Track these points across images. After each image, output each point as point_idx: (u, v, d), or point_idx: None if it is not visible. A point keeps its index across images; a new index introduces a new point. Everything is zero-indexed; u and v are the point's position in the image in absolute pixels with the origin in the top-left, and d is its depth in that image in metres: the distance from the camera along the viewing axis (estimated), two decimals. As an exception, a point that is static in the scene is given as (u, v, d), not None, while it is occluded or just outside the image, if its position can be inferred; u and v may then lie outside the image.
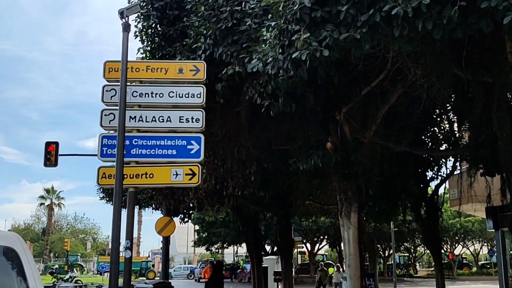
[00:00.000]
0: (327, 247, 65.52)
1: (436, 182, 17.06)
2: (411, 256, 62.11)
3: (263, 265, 23.49)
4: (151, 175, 8.01)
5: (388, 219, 20.23)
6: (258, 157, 12.08)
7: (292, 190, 16.96)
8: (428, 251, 72.03)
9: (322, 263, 26.66)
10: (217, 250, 58.45)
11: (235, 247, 67.23)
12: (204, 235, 56.30)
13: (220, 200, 16.09)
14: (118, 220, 6.08)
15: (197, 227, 65.23)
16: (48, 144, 16.81)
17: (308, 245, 52.97)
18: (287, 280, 16.23)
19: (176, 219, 18.63)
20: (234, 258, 74.90)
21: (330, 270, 44.87)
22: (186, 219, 19.64)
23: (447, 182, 18.00)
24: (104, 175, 8.02)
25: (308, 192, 20.83)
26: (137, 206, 20.53)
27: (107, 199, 19.79)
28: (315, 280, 25.53)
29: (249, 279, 49.40)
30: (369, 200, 13.12)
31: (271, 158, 12.44)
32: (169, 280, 15.20)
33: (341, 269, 25.00)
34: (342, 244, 59.64)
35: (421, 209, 16.60)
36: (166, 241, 16.75)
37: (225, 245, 56.04)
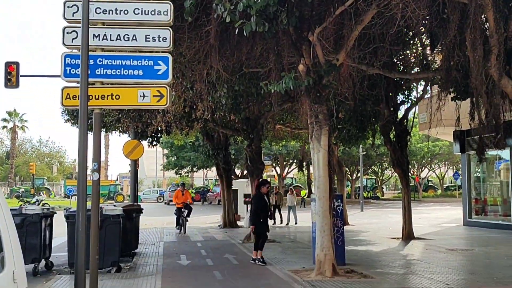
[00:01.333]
0: (295, 171, 67.30)
1: (406, 106, 17.40)
2: (378, 179, 64.40)
3: (233, 188, 24.04)
4: (117, 97, 7.86)
5: (357, 142, 20.67)
6: (228, 80, 11.98)
7: (263, 114, 17.06)
8: (395, 175, 74.63)
9: (276, 186, 27.21)
10: (186, 174, 59.19)
11: (205, 170, 68.30)
12: (173, 159, 56.81)
13: (189, 124, 16.08)
14: (84, 142, 6.03)
15: (166, 151, 65.76)
16: (7, 64, 16.23)
17: (278, 168, 54.12)
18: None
19: (144, 143, 18.62)
20: (203, 182, 76.30)
21: (303, 192, 46.52)
22: (154, 143, 19.65)
23: (417, 106, 18.33)
24: (68, 96, 7.84)
25: (279, 116, 21.07)
26: (104, 130, 20.35)
27: (72, 121, 19.54)
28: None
29: (219, 202, 50.81)
30: (339, 124, 13.31)
31: (242, 80, 12.36)
32: (138, 203, 15.40)
33: (294, 192, 25.72)
34: (311, 168, 60.93)
35: (391, 133, 17.00)
36: (135, 164, 16.83)
37: (194, 169, 56.75)
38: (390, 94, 16.27)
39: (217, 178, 64.03)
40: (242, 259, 12.65)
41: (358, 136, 18.73)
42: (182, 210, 20.10)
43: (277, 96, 12.78)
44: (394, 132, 16.89)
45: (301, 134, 26.32)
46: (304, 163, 58.29)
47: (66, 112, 19.67)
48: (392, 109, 16.47)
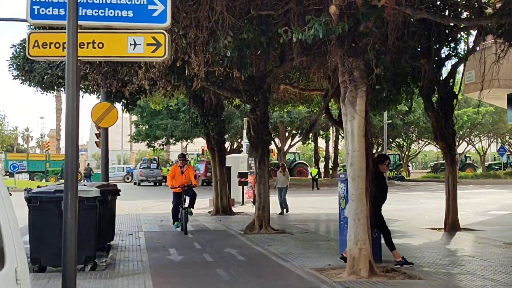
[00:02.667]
0: (300, 144, 67.50)
1: (453, 61, 17.28)
2: (403, 155, 64.74)
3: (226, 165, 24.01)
4: (100, 45, 7.68)
5: (387, 107, 20.58)
6: (233, 25, 11.77)
7: (270, 70, 16.91)
8: (425, 149, 74.48)
9: (283, 164, 26.67)
10: (161, 147, 59.20)
11: (184, 143, 68.28)
12: (144, 128, 56.72)
13: (179, 82, 15.90)
14: (74, 105, 5.83)
15: (134, 118, 65.55)
16: None
17: (278, 141, 54.17)
18: (262, 185, 16.64)
19: (117, 107, 18.45)
20: (182, 157, 76.55)
21: (313, 171, 46.69)
22: (130, 106, 19.46)
23: (465, 62, 18.19)
24: (36, 44, 7.67)
25: (284, 74, 20.93)
26: (61, 88, 20.16)
27: (23, 78, 19.27)
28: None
29: (204, 182, 51.15)
30: (378, 83, 13.19)
31: (250, 27, 12.14)
32: (112, 183, 15.30)
33: (286, 170, 25.00)
34: (320, 140, 61.03)
35: (433, 95, 16.92)
36: (106, 134, 16.64)
37: (171, 140, 56.77)
38: (435, 46, 16.12)
39: (199, 152, 64.48)
40: (248, 253, 12.68)
41: (389, 99, 18.62)
42: (182, 197, 16.80)
43: (298, 47, 12.61)
44: (437, 95, 16.83)
45: (311, 97, 26.22)
46: (311, 134, 58.96)
47: (14, 67, 19.38)
48: (435, 65, 16.36)
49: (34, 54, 7.81)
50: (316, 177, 44.86)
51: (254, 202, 24.42)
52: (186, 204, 16.93)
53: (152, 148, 59.25)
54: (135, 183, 54.93)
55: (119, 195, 13.82)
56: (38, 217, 10.27)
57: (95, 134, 19.06)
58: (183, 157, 17.68)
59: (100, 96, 18.26)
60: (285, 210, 23.19)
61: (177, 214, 17.02)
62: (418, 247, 13.59)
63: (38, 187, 12.00)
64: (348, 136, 10.02)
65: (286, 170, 24.84)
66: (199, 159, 60.33)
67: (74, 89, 5.84)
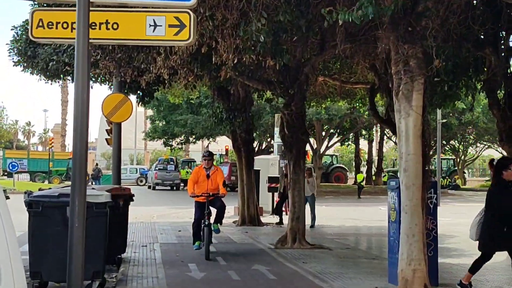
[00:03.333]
0: (338, 145, 67.24)
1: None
2: (458, 160, 64.00)
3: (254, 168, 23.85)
4: (114, 26, 7.55)
5: (443, 104, 20.21)
6: (268, 6, 11.58)
7: (308, 59, 16.74)
8: (483, 154, 73.64)
9: (310, 167, 25.88)
10: (179, 146, 59.40)
11: (205, 141, 68.47)
12: (161, 124, 56.95)
13: (202, 72, 15.79)
14: (84, 96, 5.69)
15: (150, 112, 65.89)
16: None
17: (313, 141, 53.94)
18: (297, 192, 16.44)
19: (131, 98, 18.43)
20: (203, 158, 76.70)
21: (359, 177, 46.36)
22: (146, 99, 19.40)
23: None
24: (41, 24, 7.55)
25: (322, 64, 20.71)
26: (69, 78, 20.18)
27: (25, 64, 19.29)
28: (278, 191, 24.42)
29: (227, 187, 50.93)
30: (437, 75, 12.88)
31: (287, 8, 11.93)
32: (125, 186, 15.22)
33: (313, 175, 24.03)
34: (362, 142, 61.10)
35: (498, 91, 16.52)
36: (118, 131, 16.58)
37: (191, 138, 56.95)
38: (501, 34, 15.73)
39: (223, 153, 64.52)
40: (280, 271, 12.51)
41: (446, 94, 18.26)
42: (206, 209, 14.35)
43: (343, 32, 12.40)
44: (503, 90, 16.41)
45: (354, 91, 25.97)
46: (352, 134, 58.67)
47: (15, 51, 19.39)
48: (503, 54, 15.95)
49: (38, 35, 7.69)
50: (362, 183, 44.46)
51: (276, 213, 24.13)
52: (212, 219, 14.60)
53: (169, 147, 59.55)
54: (149, 187, 55.19)
55: (133, 200, 13.74)
56: (40, 225, 10.18)
57: (106, 130, 19.00)
58: (209, 156, 14.92)
59: (112, 87, 18.22)
60: (312, 222, 22.70)
61: (199, 231, 14.59)
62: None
63: (40, 189, 11.93)
64: (401, 136, 9.77)
65: (313, 174, 24.25)
66: (222, 160, 60.53)
67: (85, 78, 5.71)
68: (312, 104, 29.75)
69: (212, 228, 14.47)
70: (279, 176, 26.10)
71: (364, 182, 45.60)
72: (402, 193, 9.76)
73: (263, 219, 23.56)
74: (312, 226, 21.96)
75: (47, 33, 7.69)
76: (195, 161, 62.63)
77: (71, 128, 5.83)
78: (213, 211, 14.71)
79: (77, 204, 5.44)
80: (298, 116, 16.65)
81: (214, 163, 15.56)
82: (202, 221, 14.41)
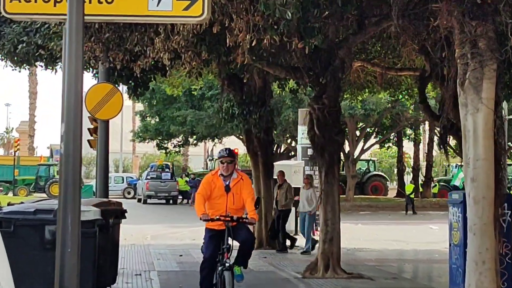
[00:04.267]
0: (376, 148, 67.10)
1: None
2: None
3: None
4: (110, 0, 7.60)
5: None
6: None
7: (343, 39, 16.74)
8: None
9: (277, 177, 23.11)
10: (176, 149, 59.41)
11: (209, 143, 68.49)
12: (153, 121, 57.05)
13: (210, 56, 15.79)
14: (79, 88, 5.69)
15: (140, 107, 66.02)
16: None
17: (346, 143, 53.91)
18: (330, 206, 16.44)
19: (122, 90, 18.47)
20: (206, 164, 76.65)
21: (409, 187, 46.06)
22: (140, 90, 19.41)
23: None
24: (16, -5, 7.59)
25: (360, 46, 20.68)
26: (40, 64, 20.28)
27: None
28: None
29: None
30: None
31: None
32: (112, 200, 15.24)
33: (314, 185, 22.31)
34: (406, 143, 61.07)
35: None
36: (106, 130, 16.64)
37: (192, 139, 56.94)
38: None
39: (232, 158, 64.66)
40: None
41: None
42: (225, 242, 11.35)
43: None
44: None
45: (399, 80, 25.86)
46: (393, 134, 58.55)
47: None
48: None
49: (13, 10, 7.73)
50: (412, 196, 44.26)
51: (272, 237, 22.81)
52: (232, 258, 11.49)
53: (163, 151, 59.62)
54: (139, 200, 55.31)
55: (125, 217, 13.72)
56: (12, 248, 10.15)
57: (88, 129, 19.04)
58: (230, 155, 11.66)
59: (97, 75, 18.21)
60: (290, 242, 22.29)
61: (211, 277, 11.53)
62: None
63: (9, 204, 11.97)
64: (468, 137, 9.74)
65: (314, 185, 22.17)
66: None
67: (79, 63, 5.73)
68: (345, 95, 29.74)
69: (234, 273, 11.30)
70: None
71: (413, 194, 45.15)
72: (469, 209, 9.70)
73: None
74: (306, 251, 21.39)
75: (23, 8, 7.70)
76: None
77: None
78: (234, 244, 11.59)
79: (70, 222, 5.43)
80: (332, 112, 16.59)
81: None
82: (218, 261, 11.38)
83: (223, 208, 11.44)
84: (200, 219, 11.41)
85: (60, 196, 5.63)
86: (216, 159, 12.81)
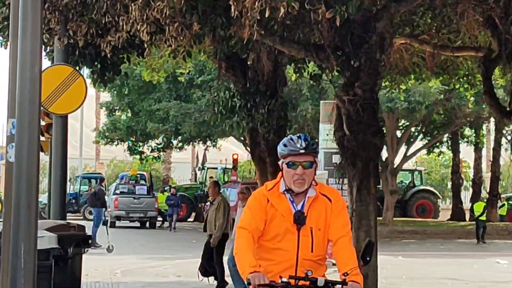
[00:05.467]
0: (423, 153, 67.12)
1: None
2: None
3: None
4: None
5: None
6: None
7: (384, 9, 16.81)
8: None
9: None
10: (155, 155, 59.37)
11: (199, 146, 68.52)
12: (124, 117, 57.01)
13: (203, 29, 15.90)
14: (37, 70, 5.74)
15: (106, 97, 66.03)
16: None
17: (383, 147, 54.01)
18: (364, 232, 16.51)
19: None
20: (195, 175, 76.49)
21: (478, 206, 45.50)
22: (108, 75, 19.51)
23: None
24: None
25: (403, 18, 20.74)
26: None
27: None
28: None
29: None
30: None
31: None
32: (72, 222, 15.37)
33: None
34: (469, 148, 61.17)
35: None
36: (64, 128, 16.75)
37: (175, 142, 56.99)
38: None
39: (228, 166, 64.44)
40: None
41: None
42: None
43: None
44: None
45: (455, 63, 25.95)
46: (447, 136, 58.51)
47: None
48: None
49: None
50: (484, 217, 44.08)
51: (204, 274, 22.21)
52: None
53: (138, 156, 59.62)
54: (104, 222, 55.24)
55: (89, 246, 13.82)
56: None
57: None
58: (311, 149, 7.94)
59: (53, 54, 18.31)
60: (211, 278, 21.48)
61: None
62: None
63: None
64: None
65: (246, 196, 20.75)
66: (227, 179, 60.43)
67: (37, 38, 5.74)
68: (384, 84, 29.79)
69: None
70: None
71: (483, 215, 44.67)
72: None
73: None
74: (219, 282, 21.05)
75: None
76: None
77: None
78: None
79: (24, 251, 5.47)
80: (367, 105, 16.66)
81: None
82: None
83: (291, 258, 8.05)
84: (248, 284, 7.64)
85: (8, 218, 5.69)
86: (282, 160, 7.63)
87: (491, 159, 61.73)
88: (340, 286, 7.37)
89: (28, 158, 5.75)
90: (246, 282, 7.37)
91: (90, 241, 13.85)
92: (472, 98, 44.00)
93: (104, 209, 44.15)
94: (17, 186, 5.81)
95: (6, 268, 5.96)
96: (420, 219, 57.68)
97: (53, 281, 10.92)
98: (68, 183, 69.69)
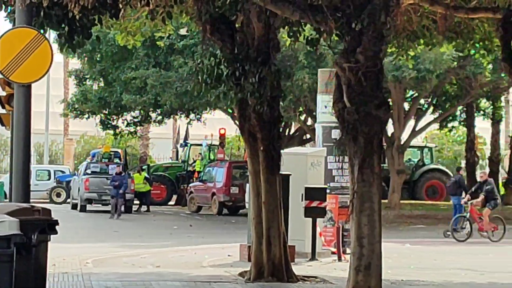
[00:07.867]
0: (434, 128, 67.19)
1: None
2: None
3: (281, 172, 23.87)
4: None
5: None
6: None
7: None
8: None
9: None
10: (131, 130, 59.23)
11: (181, 120, 68.46)
12: (96, 87, 56.82)
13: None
14: None
15: (75, 64, 65.91)
16: None
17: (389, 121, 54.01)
18: (366, 217, 16.54)
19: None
20: (176, 152, 76.54)
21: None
22: (78, 39, 19.48)
23: None
24: None
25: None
26: None
27: None
28: None
29: (224, 206, 50.67)
30: None
31: None
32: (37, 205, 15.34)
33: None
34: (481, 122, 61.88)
35: None
36: (26, 99, 16.70)
37: (154, 115, 56.93)
38: None
39: (215, 142, 64.50)
40: None
41: None
42: None
43: None
44: None
45: (470, 26, 25.99)
46: (460, 108, 58.54)
47: None
48: None
49: None
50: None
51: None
52: None
53: (111, 131, 59.51)
54: (74, 206, 55.30)
55: (55, 232, 13.77)
56: None
57: (-3, 98, 19.18)
58: None
59: (14, 16, 18.26)
60: None
61: None
62: None
63: None
64: None
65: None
66: (213, 157, 60.46)
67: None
68: (389, 50, 29.78)
69: None
70: (327, 186, 26.13)
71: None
72: None
73: (296, 268, 23.55)
74: None
75: None
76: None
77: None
78: None
79: None
80: (370, 73, 16.65)
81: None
82: None
83: None
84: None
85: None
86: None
87: (510, 135, 61.70)
88: None
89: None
90: None
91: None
92: (489, 66, 43.98)
93: None
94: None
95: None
96: (430, 202, 57.75)
97: (14, 271, 10.86)
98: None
